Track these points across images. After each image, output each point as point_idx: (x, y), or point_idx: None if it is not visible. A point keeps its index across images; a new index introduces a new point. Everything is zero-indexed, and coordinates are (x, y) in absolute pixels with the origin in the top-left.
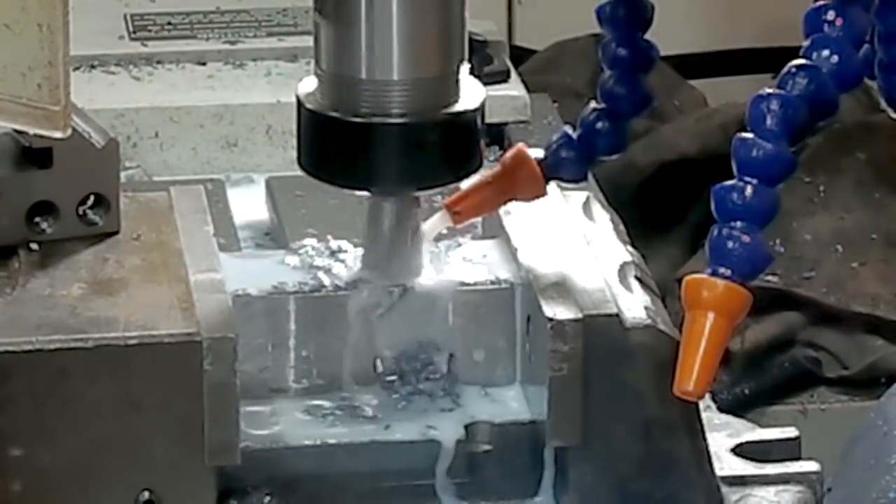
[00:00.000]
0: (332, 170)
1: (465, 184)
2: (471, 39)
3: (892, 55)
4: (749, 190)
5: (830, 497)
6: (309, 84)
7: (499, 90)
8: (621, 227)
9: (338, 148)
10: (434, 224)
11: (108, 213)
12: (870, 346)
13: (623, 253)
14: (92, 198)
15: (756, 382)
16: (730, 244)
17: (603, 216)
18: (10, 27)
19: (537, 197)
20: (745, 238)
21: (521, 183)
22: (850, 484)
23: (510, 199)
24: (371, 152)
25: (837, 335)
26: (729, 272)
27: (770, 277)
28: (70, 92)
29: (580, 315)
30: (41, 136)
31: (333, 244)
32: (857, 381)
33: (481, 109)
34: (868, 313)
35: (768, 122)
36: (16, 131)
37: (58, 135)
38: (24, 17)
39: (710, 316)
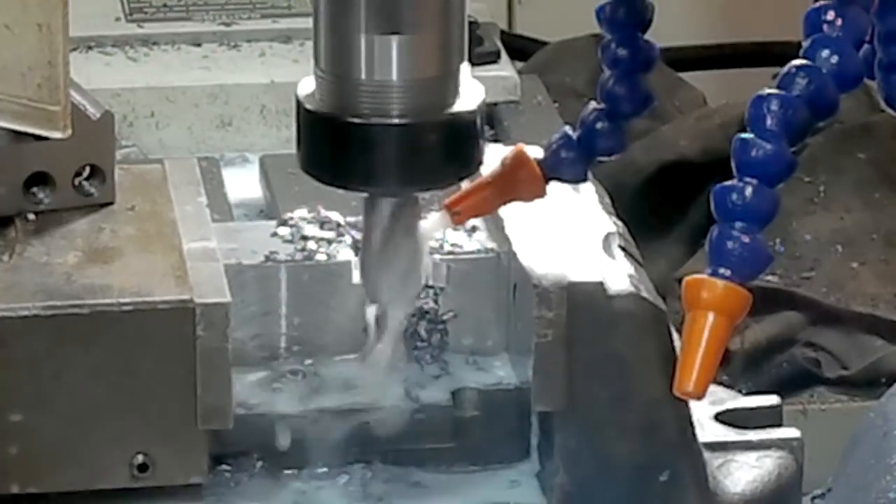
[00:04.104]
0: (331, 170)
1: (465, 184)
2: None
3: (892, 55)
4: (749, 190)
5: (831, 497)
6: (308, 85)
7: (489, 71)
8: (606, 199)
9: (337, 149)
10: (434, 224)
11: (104, 184)
12: (870, 346)
13: (608, 223)
14: (88, 169)
15: (755, 382)
16: (730, 244)
17: (588, 188)
18: (10, 27)
19: (537, 197)
20: (745, 238)
21: (521, 183)
22: (850, 484)
23: (510, 200)
24: (371, 153)
25: (837, 335)
26: (729, 272)
27: (770, 277)
28: (70, 92)
29: (565, 282)
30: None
31: (324, 214)
32: (857, 381)
33: (481, 110)
34: (868, 313)
35: (768, 122)
36: None
37: (58, 135)
38: (24, 17)
39: (710, 316)
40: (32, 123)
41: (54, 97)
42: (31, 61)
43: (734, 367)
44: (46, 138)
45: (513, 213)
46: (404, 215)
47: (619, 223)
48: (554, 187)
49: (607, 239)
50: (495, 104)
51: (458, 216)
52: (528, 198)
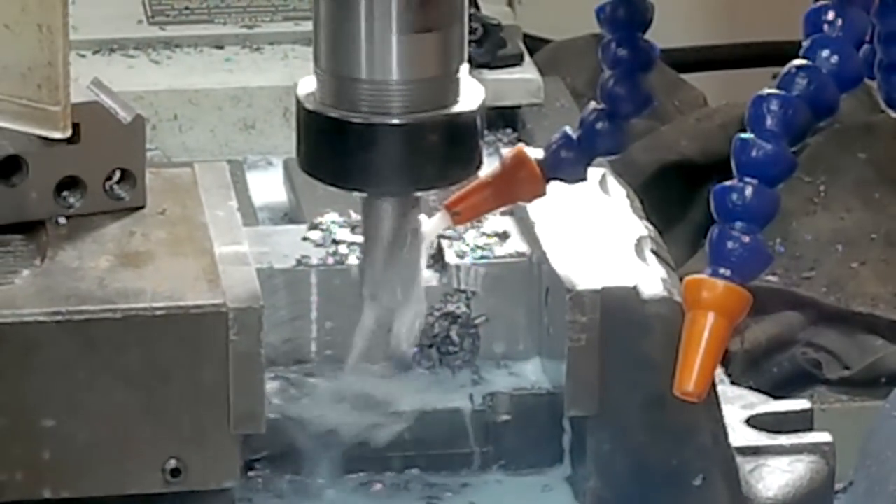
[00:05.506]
0: (331, 170)
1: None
2: (486, 23)
3: (892, 55)
4: (749, 190)
5: (852, 490)
6: (308, 84)
7: (512, 73)
8: (637, 202)
9: (337, 148)
10: (434, 225)
11: (134, 188)
12: (870, 346)
13: (639, 227)
14: (118, 173)
15: (756, 382)
16: (730, 244)
17: (619, 191)
18: (10, 27)
19: (537, 197)
20: (745, 238)
21: (521, 183)
22: (869, 477)
23: (510, 200)
24: (371, 153)
25: (837, 335)
26: (729, 272)
27: (770, 277)
28: (70, 93)
29: (598, 287)
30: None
31: (355, 218)
32: (857, 381)
33: (482, 110)
34: (868, 313)
35: (768, 122)
36: None
37: (57, 135)
38: (24, 18)
39: (710, 316)
40: (32, 124)
41: (54, 97)
42: (31, 61)
43: (734, 367)
44: (77, 142)
45: (544, 217)
46: (404, 215)
47: (651, 227)
48: (585, 192)
49: (639, 243)
50: (518, 107)
51: (458, 216)
52: (528, 198)
